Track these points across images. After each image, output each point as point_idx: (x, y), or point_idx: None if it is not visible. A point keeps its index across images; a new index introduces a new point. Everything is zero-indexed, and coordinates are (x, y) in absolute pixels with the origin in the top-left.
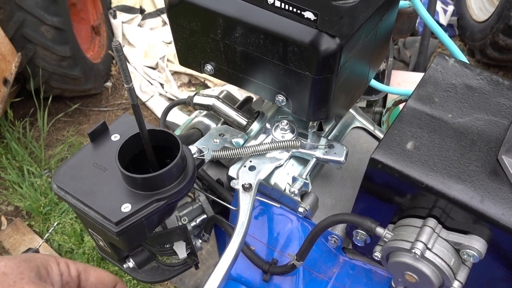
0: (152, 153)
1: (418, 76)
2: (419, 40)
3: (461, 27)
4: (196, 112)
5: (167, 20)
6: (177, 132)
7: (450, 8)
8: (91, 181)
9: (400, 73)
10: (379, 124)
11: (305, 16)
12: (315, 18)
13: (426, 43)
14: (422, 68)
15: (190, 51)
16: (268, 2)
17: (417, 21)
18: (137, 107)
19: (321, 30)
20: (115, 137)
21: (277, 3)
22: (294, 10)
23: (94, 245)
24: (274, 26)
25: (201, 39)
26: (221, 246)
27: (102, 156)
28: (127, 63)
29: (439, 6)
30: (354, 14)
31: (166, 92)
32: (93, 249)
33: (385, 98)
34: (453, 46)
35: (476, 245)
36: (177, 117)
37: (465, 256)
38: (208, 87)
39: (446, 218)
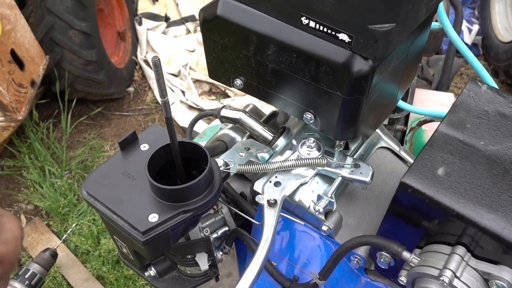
0: (182, 165)
1: (441, 95)
2: (443, 58)
3: (485, 46)
4: (215, 121)
5: (191, 29)
6: (196, 140)
7: (475, 27)
8: (120, 189)
9: (423, 91)
10: (402, 142)
11: (340, 38)
12: (350, 40)
13: (450, 62)
14: (445, 87)
15: (221, 65)
16: (303, 23)
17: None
18: (170, 120)
19: (355, 52)
20: (144, 147)
21: (312, 24)
22: (329, 31)
23: (110, 248)
24: (307, 45)
25: (233, 55)
26: (241, 259)
27: (131, 165)
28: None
29: (464, 25)
30: (389, 38)
31: (187, 100)
32: (108, 252)
33: (407, 116)
34: (483, 71)
35: (506, 276)
36: (197, 125)
37: (494, 286)
38: (229, 96)
39: (476, 247)
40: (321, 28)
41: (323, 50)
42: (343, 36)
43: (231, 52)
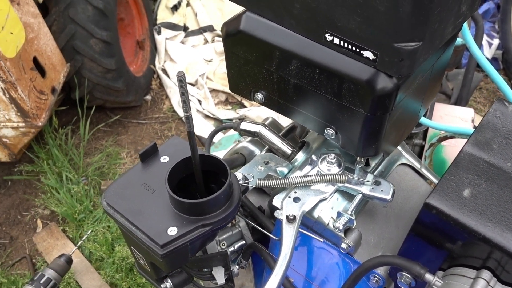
0: (201, 179)
1: (460, 110)
2: (462, 72)
3: (506, 61)
4: (231, 130)
5: (208, 38)
6: (212, 151)
7: (496, 42)
8: (140, 201)
9: (442, 106)
10: (419, 157)
11: (364, 55)
12: (375, 58)
13: (470, 77)
14: (464, 102)
15: (242, 79)
16: (327, 39)
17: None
18: (193, 134)
19: (380, 70)
20: (164, 159)
21: (336, 41)
22: (354, 48)
23: (124, 255)
24: (331, 62)
25: (255, 69)
26: (258, 274)
27: (151, 177)
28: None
29: (484, 39)
30: (415, 57)
31: (203, 109)
32: (122, 260)
33: (425, 130)
34: (505, 87)
35: None
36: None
37: None
38: (245, 107)
39: (502, 271)
40: (346, 45)
41: (347, 67)
42: (367, 54)
43: (253, 67)
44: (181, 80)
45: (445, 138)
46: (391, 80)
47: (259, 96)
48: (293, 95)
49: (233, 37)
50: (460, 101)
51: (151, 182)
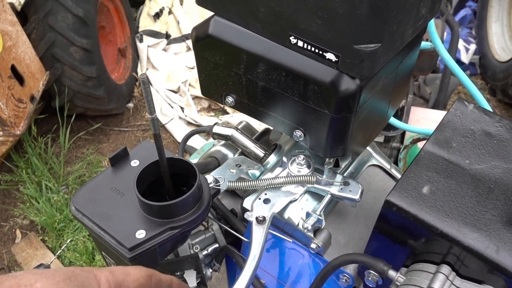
0: (170, 181)
1: (437, 114)
2: (440, 77)
3: (483, 66)
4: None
5: (191, 46)
6: (193, 157)
7: (472, 47)
8: (109, 205)
9: (419, 109)
10: (397, 160)
11: (327, 57)
12: (337, 59)
13: (447, 81)
14: (442, 106)
15: (212, 83)
16: (291, 42)
17: (438, 59)
18: (159, 137)
19: (342, 71)
20: (134, 163)
21: (300, 43)
22: (316, 50)
23: (104, 264)
24: (296, 64)
25: (224, 72)
26: (231, 277)
27: (121, 181)
28: (151, 88)
29: (461, 45)
30: (375, 58)
31: (186, 116)
32: None
33: (403, 134)
34: (472, 87)
35: None
36: (195, 141)
37: None
38: (227, 113)
39: (461, 266)
40: (309, 47)
41: (311, 69)
42: (330, 56)
43: (222, 70)
44: (145, 83)
45: (418, 140)
46: (354, 81)
47: (230, 99)
48: (262, 97)
49: (202, 41)
50: (438, 105)
51: (121, 186)
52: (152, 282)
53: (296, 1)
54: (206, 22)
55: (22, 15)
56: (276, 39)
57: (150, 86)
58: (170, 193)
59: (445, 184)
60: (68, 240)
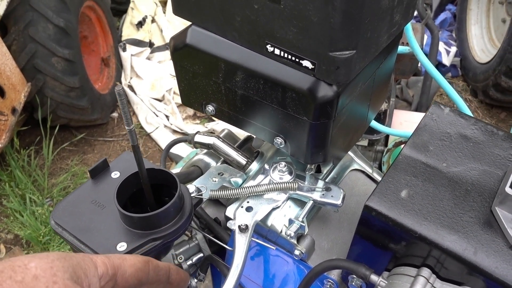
0: (150, 192)
1: (420, 116)
2: (422, 80)
3: (464, 67)
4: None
5: None
6: (179, 165)
7: (453, 49)
8: (89, 218)
9: (402, 112)
10: (381, 163)
11: (303, 65)
12: (313, 67)
13: (428, 84)
14: (424, 108)
15: (192, 92)
16: (268, 50)
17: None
18: (137, 148)
19: (319, 78)
20: (115, 175)
21: (277, 51)
22: (293, 58)
23: None
24: (273, 72)
25: (203, 81)
26: (217, 286)
27: (101, 193)
28: (136, 97)
29: (442, 47)
30: (350, 65)
31: (171, 124)
32: None
33: (387, 137)
34: (451, 91)
35: None
36: (181, 149)
37: None
38: (213, 120)
39: (441, 268)
40: (286, 55)
41: (288, 77)
42: (306, 63)
43: (202, 79)
44: (120, 95)
45: (401, 143)
46: (331, 88)
47: (210, 108)
48: (241, 106)
49: (180, 50)
50: (421, 107)
51: (101, 199)
52: (149, 267)
53: (271, 10)
54: (184, 32)
55: (2, 26)
56: (253, 48)
57: (134, 95)
58: (152, 204)
59: (423, 188)
60: None
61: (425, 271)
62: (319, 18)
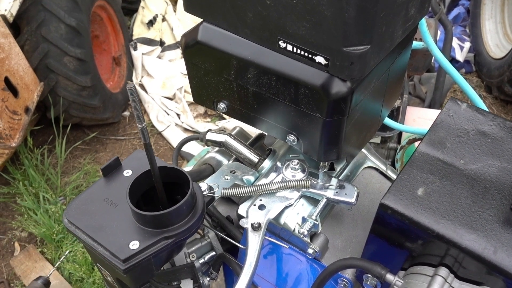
0: (163, 190)
1: (433, 113)
2: (435, 76)
3: (478, 63)
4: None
5: None
6: (190, 164)
7: (467, 45)
8: (101, 216)
9: (415, 109)
10: (394, 161)
11: (317, 61)
12: (326, 62)
13: (442, 80)
14: (437, 105)
15: (204, 90)
16: (281, 46)
17: (433, 58)
18: (149, 146)
19: (332, 74)
20: (127, 173)
21: (290, 47)
22: (306, 54)
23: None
24: (286, 69)
25: (215, 79)
26: (229, 284)
27: (114, 191)
28: (147, 95)
29: (455, 43)
30: (365, 60)
31: (182, 123)
32: (102, 279)
33: (400, 134)
34: (465, 85)
35: None
36: (193, 147)
37: None
38: (224, 119)
39: (459, 268)
40: (298, 51)
41: (301, 73)
42: (319, 59)
43: (213, 77)
44: (132, 92)
45: (414, 140)
46: (345, 84)
47: (222, 105)
48: (253, 103)
49: (192, 48)
50: (434, 104)
51: (114, 197)
52: None
53: (283, 5)
54: (195, 29)
55: (15, 27)
56: (265, 44)
57: (146, 94)
58: (164, 202)
59: (440, 185)
60: (67, 252)
61: (443, 271)
62: (333, 12)
